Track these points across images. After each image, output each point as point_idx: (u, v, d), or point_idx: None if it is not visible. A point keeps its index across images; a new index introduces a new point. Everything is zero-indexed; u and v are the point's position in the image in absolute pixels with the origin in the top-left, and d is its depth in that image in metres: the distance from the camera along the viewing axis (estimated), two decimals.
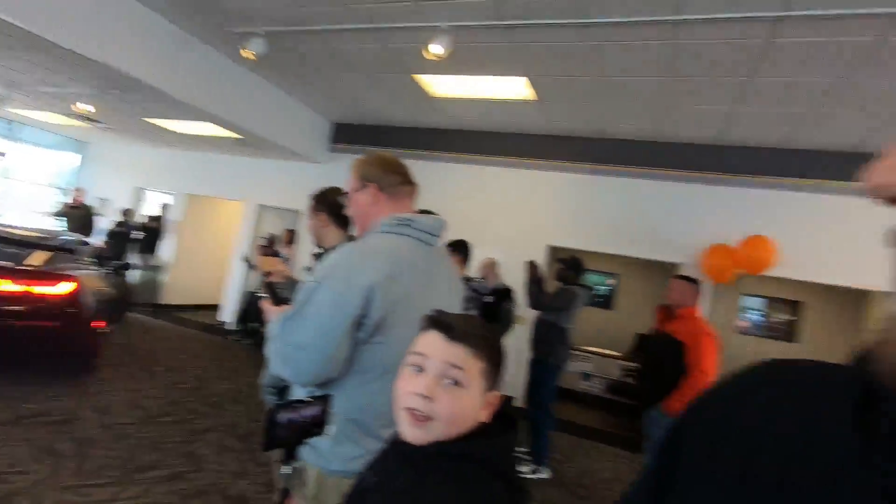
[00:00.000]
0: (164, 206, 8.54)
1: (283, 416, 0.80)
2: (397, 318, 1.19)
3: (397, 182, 1.37)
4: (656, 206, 5.33)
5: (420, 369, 0.75)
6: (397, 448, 0.78)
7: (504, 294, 3.99)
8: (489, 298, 4.03)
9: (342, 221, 2.13)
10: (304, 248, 6.91)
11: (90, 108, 5.80)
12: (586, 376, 6.32)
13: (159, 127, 6.69)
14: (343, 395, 1.22)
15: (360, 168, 1.39)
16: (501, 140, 5.85)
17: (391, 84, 4.90)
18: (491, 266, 4.13)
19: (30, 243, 4.21)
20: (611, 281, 8.19)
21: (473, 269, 4.16)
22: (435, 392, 0.72)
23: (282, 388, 2.03)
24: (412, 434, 0.73)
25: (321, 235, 2.16)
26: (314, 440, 1.24)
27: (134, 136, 8.07)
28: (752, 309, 7.31)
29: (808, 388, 0.33)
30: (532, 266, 4.02)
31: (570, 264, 3.97)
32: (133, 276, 7.77)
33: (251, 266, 7.26)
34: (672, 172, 5.12)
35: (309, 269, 2.18)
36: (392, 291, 1.18)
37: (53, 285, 3.81)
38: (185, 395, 4.27)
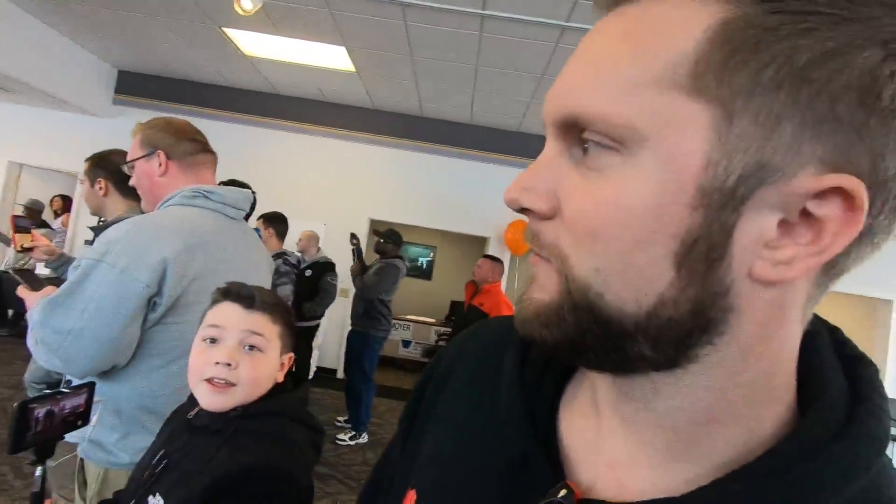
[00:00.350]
0: None
1: (40, 411, 0.71)
2: (196, 296, 1.13)
3: (192, 150, 1.27)
4: (469, 184, 5.79)
5: (215, 340, 0.78)
6: (190, 422, 0.78)
7: (325, 267, 3.97)
8: (309, 272, 3.96)
9: (129, 190, 1.89)
10: (85, 219, 5.82)
11: None
12: (406, 343, 6.68)
13: None
14: (133, 381, 1.13)
15: (145, 133, 1.26)
16: (323, 109, 5.70)
17: (195, 34, 4.35)
18: (310, 239, 4.05)
19: None
20: (430, 253, 8.70)
21: (292, 242, 4.04)
22: (236, 359, 0.76)
23: (55, 383, 1.75)
24: (214, 402, 0.75)
25: (100, 205, 1.88)
26: (96, 435, 1.12)
27: None
28: None
29: (506, 337, 0.40)
30: (354, 266, 4.03)
31: (388, 237, 4.10)
32: None
33: (3, 240, 5.85)
34: (481, 154, 5.63)
35: (90, 243, 1.88)
36: (189, 268, 1.11)
37: None
38: None
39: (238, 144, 5.30)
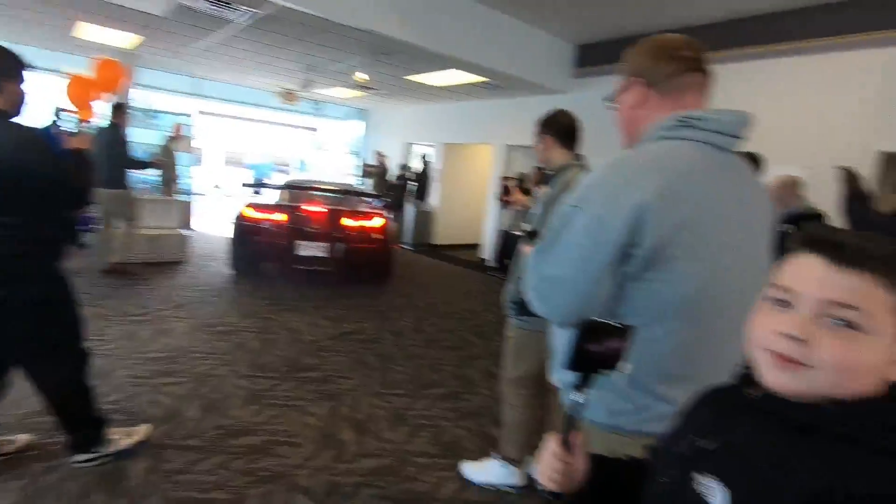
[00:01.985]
0: (423, 157, 9.47)
1: (591, 346, 0.70)
2: (680, 249, 0.92)
3: (673, 71, 1.04)
4: None
5: (786, 304, 0.56)
6: (755, 404, 0.59)
7: (811, 219, 3.09)
8: (786, 227, 3.19)
9: (567, 142, 2.14)
10: None
11: (365, 76, 6.71)
12: None
13: (417, 83, 7.35)
14: None
15: (627, 61, 1.11)
16: (799, 19, 4.44)
17: None
18: (790, 186, 3.24)
19: (343, 192, 6.13)
20: None
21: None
22: (813, 334, 0.53)
23: (522, 301, 2.02)
24: (777, 381, 0.56)
25: (547, 158, 2.19)
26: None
27: (400, 97, 9.13)
28: None
29: None
30: (848, 175, 2.96)
31: None
32: (410, 219, 9.05)
33: (502, 201, 7.56)
34: None
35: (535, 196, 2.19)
36: (671, 214, 0.91)
37: (371, 220, 5.56)
38: (457, 324, 4.77)
39: None
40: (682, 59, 1.04)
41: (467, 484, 2.31)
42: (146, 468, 2.15)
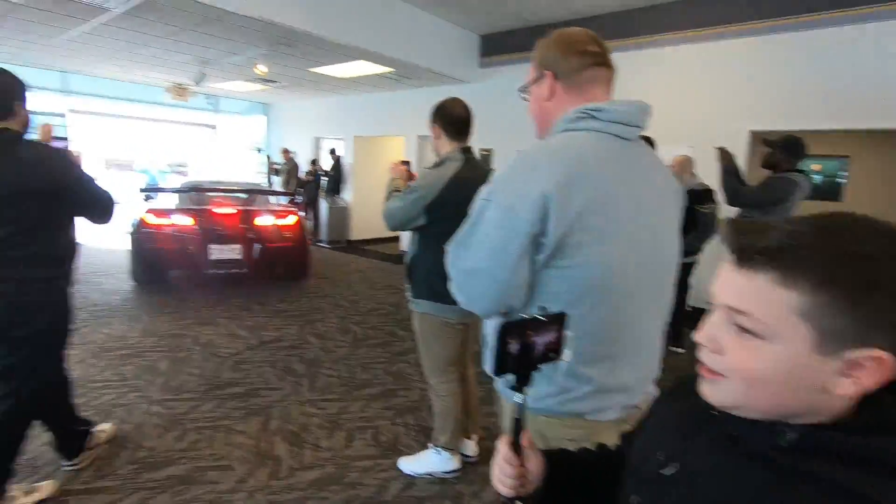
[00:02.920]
0: (332, 151, 9.12)
1: (514, 346, 0.65)
2: (586, 234, 0.96)
3: (580, 66, 1.06)
4: None
5: (713, 311, 0.53)
6: (713, 421, 0.55)
7: (703, 196, 3.41)
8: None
9: (453, 131, 2.09)
10: None
11: (264, 69, 6.33)
12: None
13: (323, 75, 7.08)
14: None
15: (537, 52, 1.12)
16: (677, 13, 4.85)
17: None
18: (684, 164, 3.54)
19: (251, 191, 5.91)
20: (840, 166, 6.59)
21: None
22: (719, 340, 0.50)
23: (419, 285, 2.12)
24: (703, 390, 0.53)
25: (436, 146, 2.15)
26: None
27: (305, 90, 8.75)
28: None
29: None
30: (723, 153, 3.30)
31: (784, 146, 3.15)
32: (324, 216, 8.76)
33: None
34: None
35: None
36: (572, 202, 0.94)
37: (285, 218, 5.45)
38: (383, 320, 4.71)
39: None
40: (588, 53, 1.07)
41: (412, 481, 2.30)
42: None
